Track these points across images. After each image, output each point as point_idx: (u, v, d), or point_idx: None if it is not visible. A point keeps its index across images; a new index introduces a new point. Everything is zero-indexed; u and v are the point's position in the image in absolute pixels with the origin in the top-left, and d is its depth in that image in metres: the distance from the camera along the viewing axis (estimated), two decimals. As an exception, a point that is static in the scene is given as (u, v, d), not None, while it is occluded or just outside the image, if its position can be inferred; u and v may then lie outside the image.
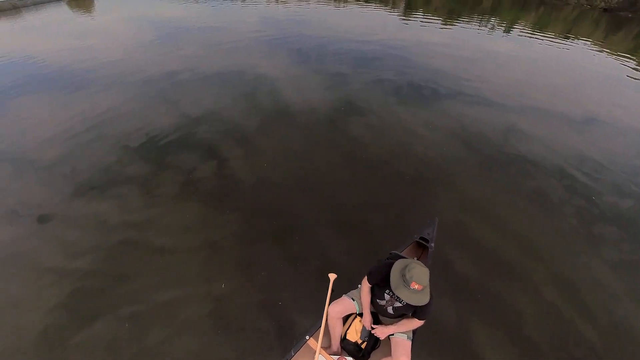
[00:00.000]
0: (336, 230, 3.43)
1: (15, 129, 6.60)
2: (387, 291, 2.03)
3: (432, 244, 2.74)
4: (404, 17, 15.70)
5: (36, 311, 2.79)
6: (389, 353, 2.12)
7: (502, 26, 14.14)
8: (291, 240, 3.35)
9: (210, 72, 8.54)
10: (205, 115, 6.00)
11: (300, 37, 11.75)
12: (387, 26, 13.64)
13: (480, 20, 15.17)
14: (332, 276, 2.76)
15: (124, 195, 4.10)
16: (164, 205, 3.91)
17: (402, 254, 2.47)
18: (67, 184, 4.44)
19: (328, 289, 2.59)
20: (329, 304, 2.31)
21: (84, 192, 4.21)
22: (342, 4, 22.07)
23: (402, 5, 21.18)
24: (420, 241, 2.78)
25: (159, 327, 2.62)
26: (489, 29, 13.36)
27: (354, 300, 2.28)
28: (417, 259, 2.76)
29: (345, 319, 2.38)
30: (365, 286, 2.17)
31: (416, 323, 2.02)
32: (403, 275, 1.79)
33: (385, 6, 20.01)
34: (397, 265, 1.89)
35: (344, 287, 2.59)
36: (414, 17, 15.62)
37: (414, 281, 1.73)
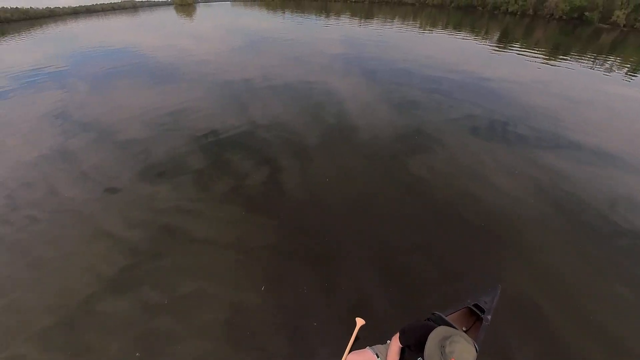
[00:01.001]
0: (378, 270, 3.26)
1: (108, 106, 8.09)
2: (419, 359, 1.83)
3: (489, 317, 2.40)
4: (496, 49, 15.01)
5: (78, 272, 3.25)
6: None
7: (624, 67, 12.45)
8: (328, 266, 3.29)
9: (283, 82, 9.31)
10: (270, 123, 6.52)
11: (378, 60, 12.10)
12: (475, 57, 13.18)
13: (595, 59, 13.62)
14: (360, 321, 2.61)
15: (180, 184, 4.65)
16: (213, 200, 4.28)
17: (447, 318, 2.22)
18: (137, 162, 5.25)
19: (352, 335, 2.46)
20: (348, 352, 2.17)
21: (148, 173, 4.91)
22: (427, 30, 22.24)
23: (496, 35, 20.36)
24: (474, 309, 2.47)
25: (175, 318, 2.76)
26: (606, 69, 11.89)
27: (378, 356, 2.10)
28: (466, 331, 2.46)
29: (365, 376, 2.21)
30: (395, 345, 1.99)
31: (450, 410, 1.75)
32: (442, 347, 1.59)
33: (476, 35, 19.49)
34: (438, 332, 1.70)
35: (370, 338, 2.42)
36: (509, 50, 14.83)
37: (454, 357, 1.52)
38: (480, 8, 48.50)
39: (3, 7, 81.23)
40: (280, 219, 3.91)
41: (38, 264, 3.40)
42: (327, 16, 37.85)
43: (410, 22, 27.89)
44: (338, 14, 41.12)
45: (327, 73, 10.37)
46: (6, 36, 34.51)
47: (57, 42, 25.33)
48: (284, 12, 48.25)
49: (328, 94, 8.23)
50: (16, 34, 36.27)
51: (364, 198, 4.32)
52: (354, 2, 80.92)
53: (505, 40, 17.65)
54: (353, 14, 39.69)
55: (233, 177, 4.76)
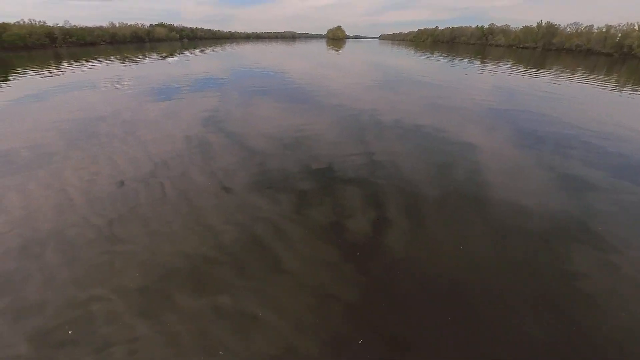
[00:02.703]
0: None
1: (247, 117, 9.87)
2: None
3: None
4: None
5: (171, 250, 3.86)
6: None
7: None
8: (403, 354, 2.85)
9: (414, 127, 9.29)
10: (390, 167, 6.52)
11: (540, 119, 10.65)
12: None
13: None
14: None
15: (284, 202, 5.11)
16: (310, 230, 4.48)
17: None
18: (254, 171, 6.13)
19: None
20: None
21: (260, 184, 5.64)
22: (628, 89, 18.44)
23: None
24: None
25: (231, 331, 2.86)
26: None
27: None
28: None
29: None
30: None
31: None
32: None
33: None
34: None
35: None
36: None
37: None
38: None
39: (201, 28, 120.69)
40: (370, 277, 3.68)
41: (147, 230, 4.32)
42: (483, 61, 36.65)
43: (601, 77, 23.82)
44: (497, 60, 39.35)
45: (467, 124, 9.79)
46: (197, 49, 48.29)
47: (228, 58, 33.64)
48: (433, 54, 49.54)
49: (464, 149, 7.65)
50: (203, 49, 50.23)
51: (479, 292, 3.57)
52: (521, 48, 75.97)
53: None
54: (517, 62, 37.16)
55: (336, 214, 4.85)
